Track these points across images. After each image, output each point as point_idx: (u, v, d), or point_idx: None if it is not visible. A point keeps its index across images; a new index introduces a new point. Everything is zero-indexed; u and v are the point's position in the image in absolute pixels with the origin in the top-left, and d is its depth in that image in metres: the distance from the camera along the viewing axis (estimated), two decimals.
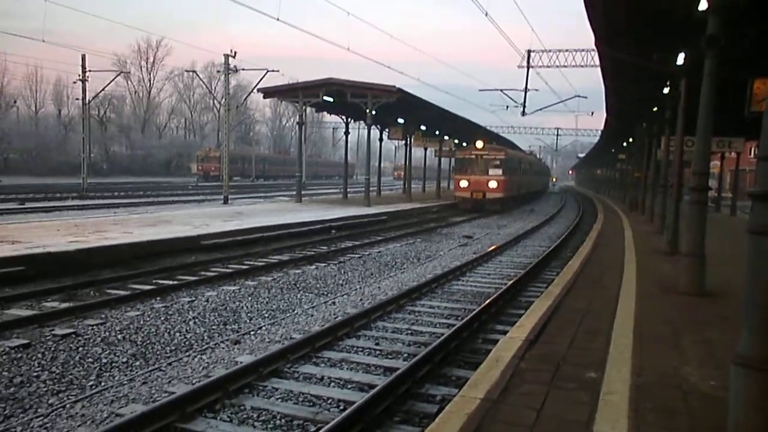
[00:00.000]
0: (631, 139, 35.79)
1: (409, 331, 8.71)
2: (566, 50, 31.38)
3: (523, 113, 35.54)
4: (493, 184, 32.06)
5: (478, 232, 22.78)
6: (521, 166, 40.73)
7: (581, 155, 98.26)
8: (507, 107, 39.90)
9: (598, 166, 79.40)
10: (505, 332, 7.37)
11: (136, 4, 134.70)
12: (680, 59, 13.47)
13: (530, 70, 31.86)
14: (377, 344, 8.01)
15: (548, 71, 32.62)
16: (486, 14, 20.26)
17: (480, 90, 40.21)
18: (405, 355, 7.56)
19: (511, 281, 11.84)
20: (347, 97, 28.44)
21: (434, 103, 31.53)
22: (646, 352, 5.85)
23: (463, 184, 32.85)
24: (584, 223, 28.14)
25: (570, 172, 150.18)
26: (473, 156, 33.08)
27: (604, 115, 32.43)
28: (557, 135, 72.14)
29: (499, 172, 32.48)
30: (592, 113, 51.57)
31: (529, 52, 31.52)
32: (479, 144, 32.95)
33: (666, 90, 17.41)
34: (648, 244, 15.94)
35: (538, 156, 73.79)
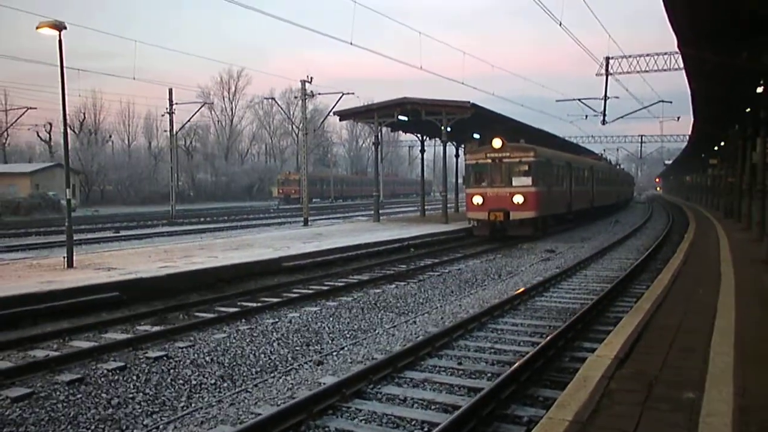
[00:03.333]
0: (722, 143, 33.98)
1: (493, 350, 8.52)
2: (647, 55, 30.21)
3: (604, 122, 34.40)
4: (518, 199, 22.91)
5: (560, 246, 22.14)
6: (581, 173, 32.25)
7: (668, 162, 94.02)
8: (586, 117, 38.76)
9: (687, 172, 75.74)
10: (592, 350, 7.08)
11: (218, 38, 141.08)
12: None
13: (609, 77, 30.86)
14: (460, 363, 7.87)
15: (628, 77, 31.20)
16: (560, 24, 19.85)
17: (557, 101, 39.14)
18: (489, 374, 7.39)
19: (598, 296, 11.39)
20: (422, 116, 28.54)
21: (510, 116, 31.12)
22: (750, 372, 5.44)
23: (477, 200, 23.72)
24: (674, 233, 26.85)
25: (657, 180, 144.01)
26: (489, 160, 23.94)
27: (691, 119, 30.97)
28: (641, 142, 69.30)
29: (528, 181, 23.36)
30: (678, 118, 49.34)
31: (607, 59, 30.57)
32: (497, 143, 23.67)
33: (760, 89, 16.43)
34: (746, 253, 14.98)
35: (616, 164, 66.13)
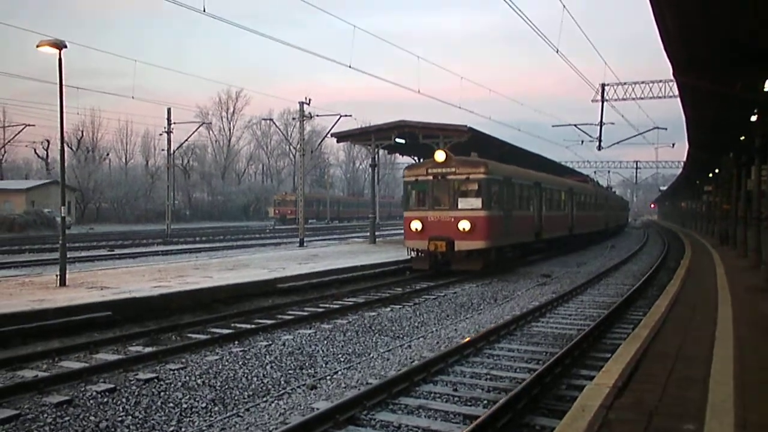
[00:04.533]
0: (717, 170, 34.16)
1: (489, 376, 8.41)
2: (642, 82, 30.56)
3: (599, 147, 34.67)
4: (464, 226, 18.68)
5: (556, 271, 22.07)
6: (555, 196, 28.13)
7: (663, 188, 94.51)
8: (582, 142, 39.09)
9: (682, 198, 76.06)
10: (590, 378, 7.01)
11: (217, 59, 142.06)
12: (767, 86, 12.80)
13: (605, 103, 31.13)
14: (455, 390, 7.76)
15: (624, 104, 31.45)
16: (557, 51, 20.04)
17: (553, 126, 39.48)
18: (485, 401, 7.27)
19: (595, 322, 11.31)
20: (419, 139, 28.66)
21: (506, 140, 31.27)
22: (751, 402, 5.36)
23: (415, 226, 19.48)
24: (670, 259, 26.83)
25: (652, 205, 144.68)
26: (430, 177, 19.77)
27: (686, 145, 31.17)
28: (636, 168, 69.83)
29: (477, 203, 19.16)
30: (673, 145, 49.71)
31: (603, 85, 30.89)
32: (439, 156, 19.73)
33: (754, 118, 16.54)
34: (743, 280, 14.95)
35: (608, 187, 62.96)
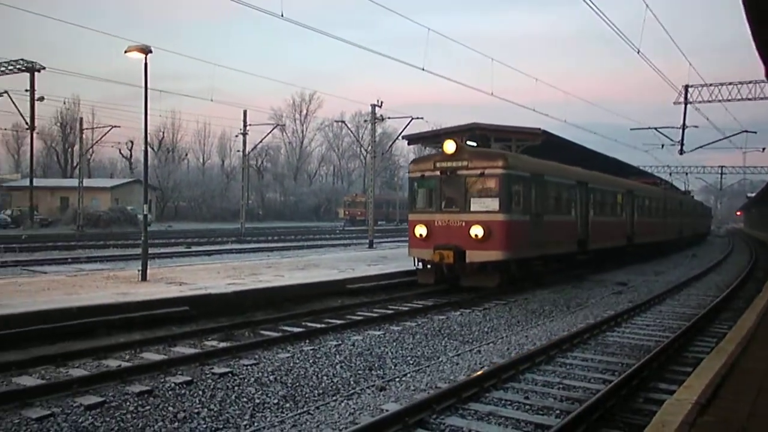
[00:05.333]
0: None
1: (561, 386, 8.19)
2: (729, 83, 29.04)
3: (681, 152, 33.17)
4: (477, 232, 15.51)
5: (632, 279, 21.30)
6: (608, 198, 24.16)
7: (751, 195, 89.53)
8: (662, 146, 37.45)
9: None
10: (670, 392, 6.72)
11: (292, 62, 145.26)
12: None
13: (688, 106, 29.80)
14: (526, 398, 7.60)
15: (709, 106, 29.90)
16: (638, 51, 19.34)
17: (631, 129, 37.97)
18: (557, 411, 7.09)
19: (675, 334, 10.83)
20: (491, 141, 28.25)
21: (581, 143, 30.43)
22: None
23: (420, 231, 16.52)
24: (758, 270, 25.40)
25: (738, 213, 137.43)
26: (437, 173, 16.71)
27: None
28: (721, 174, 66.34)
29: (494, 204, 15.90)
30: (764, 149, 46.90)
31: (686, 87, 29.56)
32: (449, 147, 16.46)
33: None
34: None
35: (685, 191, 55.03)
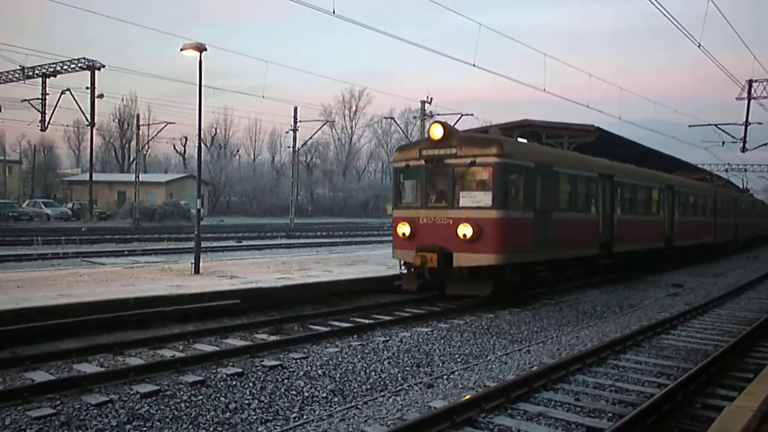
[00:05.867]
0: None
1: (613, 388, 8.00)
2: None
3: (743, 149, 31.96)
4: (465, 231, 13.28)
5: (689, 281, 20.64)
6: (641, 194, 21.53)
7: None
8: (723, 143, 36.20)
9: None
10: (729, 399, 6.48)
11: (343, 59, 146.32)
12: None
13: (751, 101, 28.65)
14: (577, 400, 7.45)
15: None
16: (699, 45, 18.70)
17: (690, 126, 36.77)
18: (609, 414, 6.92)
19: (735, 339, 10.43)
20: (542, 138, 27.81)
21: (636, 141, 29.66)
22: None
23: (403, 230, 14.39)
24: None
25: None
26: (422, 162, 14.38)
27: None
28: None
29: (486, 198, 13.57)
30: None
31: (750, 82, 28.44)
32: (437, 131, 14.11)
33: None
34: None
35: (744, 189, 51.77)
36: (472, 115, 34.49)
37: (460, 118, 33.87)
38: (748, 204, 43.67)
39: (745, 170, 56.65)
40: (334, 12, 15.27)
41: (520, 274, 14.42)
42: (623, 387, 8.05)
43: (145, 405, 6.85)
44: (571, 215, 16.46)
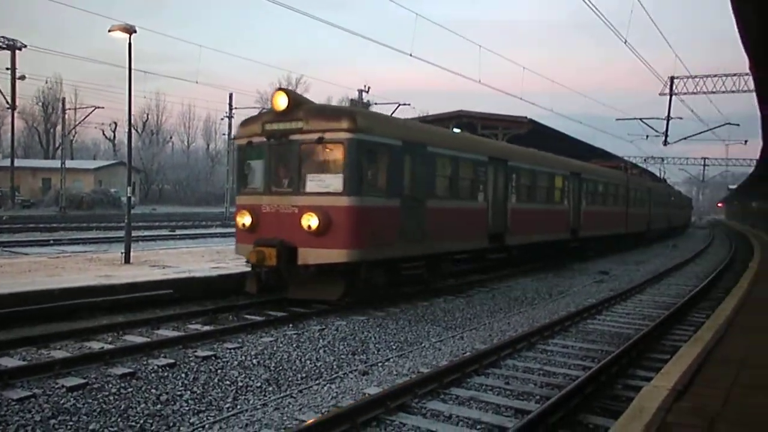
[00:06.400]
0: None
1: (541, 372, 8.31)
2: (714, 75, 29.26)
3: (665, 142, 33.47)
4: (311, 222, 11.31)
5: (614, 268, 21.56)
6: (544, 182, 19.78)
7: (733, 187, 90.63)
8: (647, 137, 37.74)
9: (753, 198, 72.84)
10: (648, 379, 6.83)
11: (278, 46, 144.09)
12: None
13: (673, 97, 30.01)
14: (507, 383, 7.70)
15: (694, 98, 30.07)
16: (625, 42, 19.41)
17: (617, 119, 38.19)
18: (537, 396, 7.19)
19: (654, 323, 11.00)
20: (477, 129, 28.34)
21: (567, 133, 30.60)
22: None
23: (244, 221, 12.34)
24: (737, 261, 25.78)
25: (719, 204, 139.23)
26: (263, 139, 12.30)
27: (760, 143, 29.79)
28: (704, 165, 66.93)
29: (337, 182, 11.45)
30: (746, 141, 47.40)
31: (672, 78, 29.76)
32: (280, 101, 11.86)
33: None
34: None
35: (661, 179, 51.32)
36: (409, 104, 34.55)
37: (397, 107, 33.90)
38: (664, 194, 42.91)
39: (662, 160, 57.37)
40: None
41: (384, 272, 12.51)
42: (551, 370, 8.37)
43: (71, 399, 6.64)
44: (451, 203, 14.31)
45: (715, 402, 5.35)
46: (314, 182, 11.57)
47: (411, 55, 21.79)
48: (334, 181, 11.38)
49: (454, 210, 14.44)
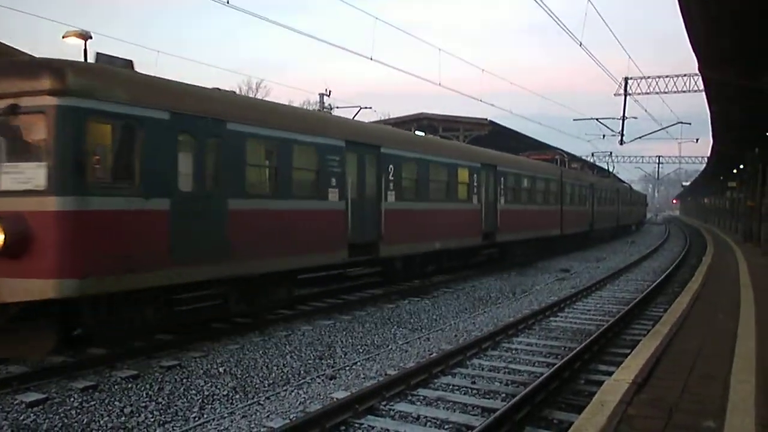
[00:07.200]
0: (741, 166, 33.70)
1: (507, 370, 8.44)
2: (666, 76, 30.14)
3: (621, 142, 34.28)
4: None
5: (575, 266, 21.99)
6: (438, 175, 15.88)
7: (686, 184, 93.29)
8: (603, 136, 38.58)
9: (705, 194, 75.10)
10: (609, 373, 7.00)
11: (239, 50, 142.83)
12: None
13: (627, 97, 30.79)
14: (473, 383, 7.80)
15: (647, 98, 30.89)
16: (580, 44, 19.81)
17: (575, 119, 38.96)
18: (503, 394, 7.31)
19: (614, 318, 11.27)
20: (439, 131, 28.60)
21: (526, 134, 31.10)
22: None
23: None
24: (692, 255, 26.57)
25: (674, 201, 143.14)
26: None
27: (710, 141, 30.77)
28: (658, 163, 68.79)
29: (40, 175, 7.43)
30: (697, 140, 48.94)
31: (626, 79, 30.52)
32: None
33: None
34: (766, 278, 14.76)
35: (608, 174, 48.06)
36: (370, 108, 34.65)
37: (358, 111, 33.95)
38: (610, 190, 38.71)
39: (611, 154, 52.40)
40: (228, 2, 14.89)
41: (146, 308, 8.75)
42: (516, 368, 8.51)
43: (32, 414, 6.47)
44: (276, 204, 10.66)
45: (673, 393, 5.53)
46: (9, 175, 7.70)
47: (371, 58, 21.83)
48: (36, 173, 7.55)
49: (284, 213, 10.76)
